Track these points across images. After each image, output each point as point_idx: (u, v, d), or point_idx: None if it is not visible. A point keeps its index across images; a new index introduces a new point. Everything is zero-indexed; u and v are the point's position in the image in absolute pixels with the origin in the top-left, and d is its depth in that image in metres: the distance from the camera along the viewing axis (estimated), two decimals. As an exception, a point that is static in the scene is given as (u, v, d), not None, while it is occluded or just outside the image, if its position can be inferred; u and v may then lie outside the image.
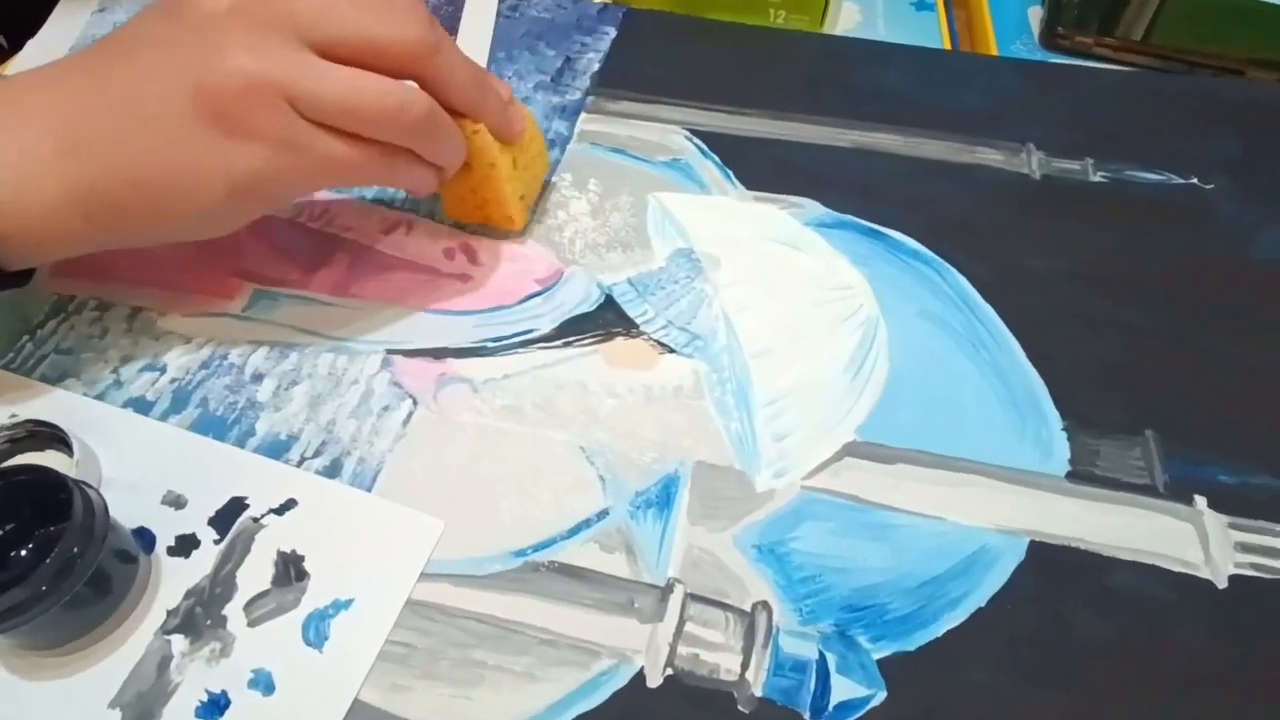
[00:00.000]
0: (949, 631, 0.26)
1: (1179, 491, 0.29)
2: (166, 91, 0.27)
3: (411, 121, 0.29)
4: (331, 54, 0.27)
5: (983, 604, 0.27)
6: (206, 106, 0.26)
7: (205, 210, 0.28)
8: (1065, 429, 0.31)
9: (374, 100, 0.28)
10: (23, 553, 0.25)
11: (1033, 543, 0.28)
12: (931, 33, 0.49)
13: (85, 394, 0.31)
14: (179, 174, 0.27)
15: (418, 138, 0.30)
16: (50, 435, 0.29)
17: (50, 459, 0.29)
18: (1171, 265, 0.36)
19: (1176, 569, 0.27)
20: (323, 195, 0.38)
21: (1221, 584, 0.27)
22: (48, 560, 0.23)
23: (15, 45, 0.47)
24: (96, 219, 0.28)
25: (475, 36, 0.47)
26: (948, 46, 0.48)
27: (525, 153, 0.35)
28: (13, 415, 0.30)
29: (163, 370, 0.32)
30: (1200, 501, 0.29)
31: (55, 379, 0.32)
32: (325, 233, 0.37)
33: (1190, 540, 0.28)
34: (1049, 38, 0.48)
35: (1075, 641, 0.26)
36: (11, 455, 0.29)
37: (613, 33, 0.47)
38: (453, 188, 0.35)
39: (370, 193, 0.39)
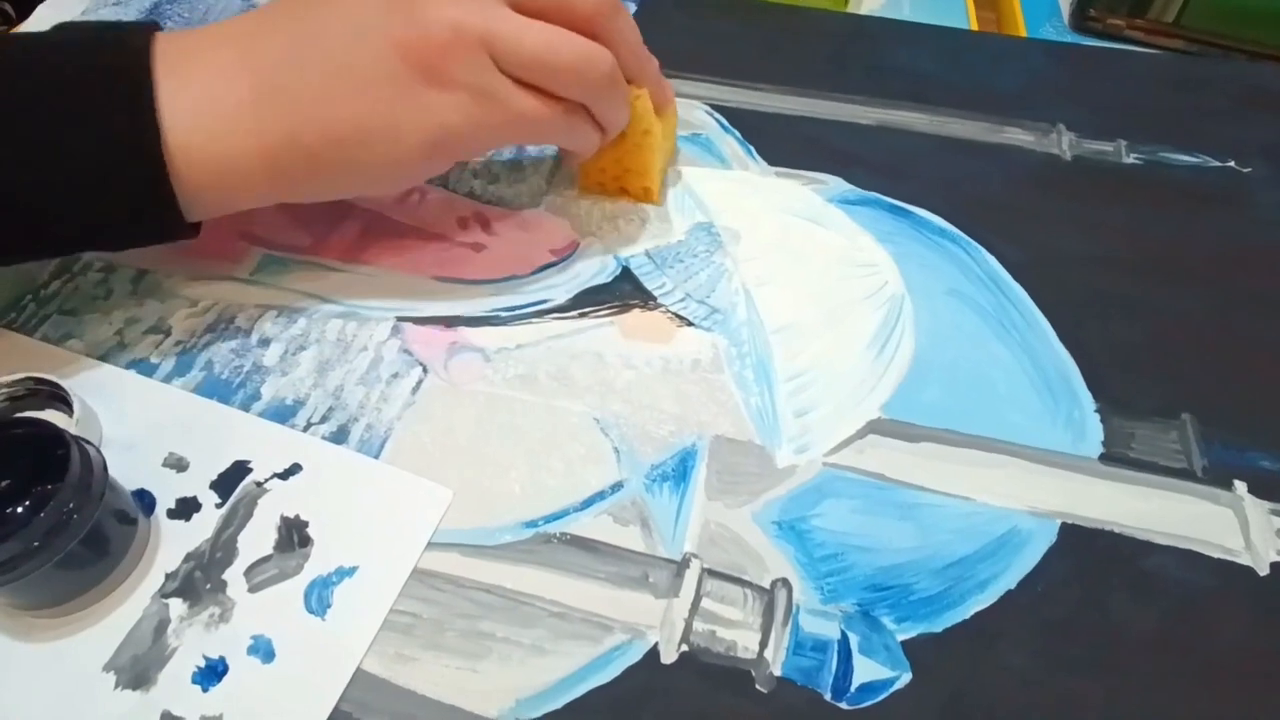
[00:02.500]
0: (977, 614, 0.25)
1: (1218, 476, 0.28)
2: (369, 40, 0.27)
3: (597, 78, 0.29)
4: (524, 8, 0.28)
5: (1012, 586, 0.26)
6: (412, 56, 0.27)
7: (398, 163, 0.28)
8: (1098, 411, 0.30)
9: (568, 55, 0.28)
10: (18, 509, 0.24)
11: (1064, 525, 0.27)
12: (958, 14, 0.48)
13: (88, 355, 0.31)
14: (378, 125, 0.27)
15: (599, 96, 0.30)
16: (50, 394, 0.28)
17: (50, 418, 0.28)
18: (1208, 248, 0.35)
19: (1216, 555, 0.26)
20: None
21: (1263, 571, 0.26)
22: (41, 515, 0.22)
23: (23, 14, 0.46)
24: (284, 170, 0.28)
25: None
26: (975, 28, 0.47)
27: (668, 125, 0.35)
28: (12, 372, 0.29)
29: (167, 333, 0.32)
30: (1240, 487, 0.28)
31: (58, 339, 0.31)
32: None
33: (1230, 526, 0.27)
34: (1080, 20, 0.47)
35: (1110, 627, 0.25)
36: (11, 413, 0.28)
37: (634, 7, 0.47)
38: (596, 159, 0.34)
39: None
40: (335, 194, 0.31)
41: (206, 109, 0.27)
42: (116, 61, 0.26)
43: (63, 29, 0.29)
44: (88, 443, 0.24)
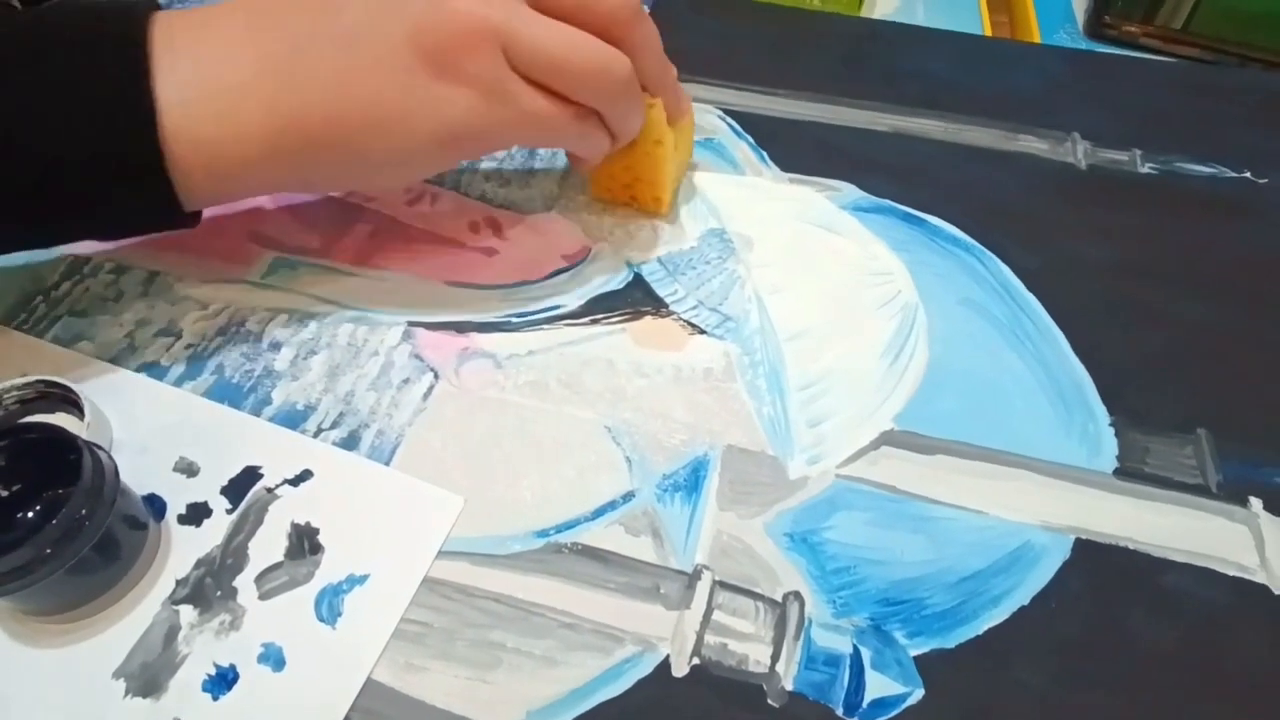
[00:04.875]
0: (990, 630, 0.25)
1: (1233, 493, 0.28)
2: (382, 26, 0.26)
3: (613, 84, 0.28)
4: (545, 8, 0.27)
5: (1026, 602, 0.25)
6: (425, 46, 0.26)
7: (404, 155, 0.28)
8: (1113, 424, 0.29)
9: (586, 59, 0.27)
10: (29, 514, 0.24)
11: (1079, 540, 0.27)
12: (972, 20, 0.48)
13: (98, 357, 0.31)
14: (386, 114, 0.27)
15: (613, 102, 0.29)
16: (61, 396, 0.28)
17: (60, 421, 0.28)
18: (1225, 260, 0.34)
19: (1231, 572, 0.26)
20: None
21: (1278, 589, 0.26)
22: (54, 522, 0.22)
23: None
24: (286, 156, 0.27)
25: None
26: (989, 33, 0.47)
27: (683, 135, 0.34)
28: (23, 375, 0.29)
29: (178, 335, 0.31)
30: (1256, 504, 0.27)
31: (68, 341, 0.31)
32: (347, 201, 0.36)
33: (1245, 543, 0.27)
34: (1095, 26, 0.46)
35: (1125, 644, 0.25)
36: (21, 416, 0.28)
37: (646, 9, 0.46)
38: (607, 165, 0.33)
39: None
40: (338, 184, 0.30)
41: (207, 86, 0.26)
42: (113, 33, 0.26)
43: (59, 5, 0.28)
44: (99, 448, 0.24)
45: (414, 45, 0.26)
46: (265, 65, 0.26)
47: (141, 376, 0.30)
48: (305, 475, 0.27)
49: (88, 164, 0.25)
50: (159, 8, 0.27)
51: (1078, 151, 0.39)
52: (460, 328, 0.32)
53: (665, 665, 0.24)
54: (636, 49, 0.29)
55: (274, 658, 0.24)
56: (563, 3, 0.27)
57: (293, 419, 0.29)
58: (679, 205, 0.36)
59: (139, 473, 0.27)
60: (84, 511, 0.23)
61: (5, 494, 0.24)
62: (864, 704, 0.23)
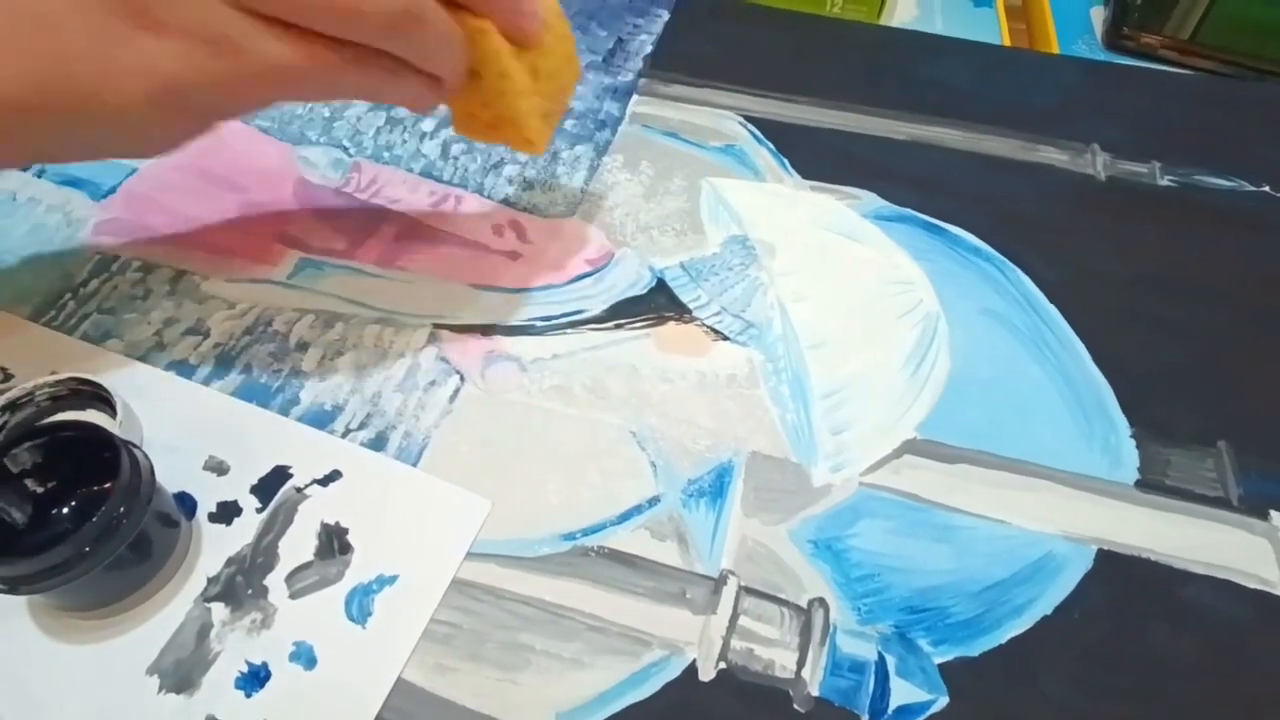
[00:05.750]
0: (1013, 639, 0.25)
1: (1254, 506, 0.28)
2: None
3: (383, 15, 0.23)
4: None
5: (1049, 612, 0.26)
6: None
7: (125, 117, 0.23)
8: (1134, 436, 0.30)
9: None
10: (64, 511, 0.24)
11: (1101, 551, 0.27)
12: (990, 29, 0.48)
13: (127, 355, 0.31)
14: (89, 75, 0.22)
15: (396, 38, 0.24)
16: (92, 394, 0.28)
17: (91, 418, 0.28)
18: (1244, 273, 0.35)
19: (1252, 585, 0.26)
20: (370, 166, 0.38)
21: (1299, 603, 0.26)
22: (93, 519, 0.22)
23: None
24: (6, 131, 0.23)
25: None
26: (1007, 43, 0.47)
27: (548, 58, 0.28)
28: (53, 372, 0.29)
29: (206, 334, 0.32)
30: (1276, 517, 0.28)
31: (97, 338, 0.31)
32: (372, 204, 0.36)
33: (1266, 557, 0.27)
34: (1113, 38, 0.47)
35: (1148, 655, 0.25)
36: (53, 413, 0.29)
37: (666, 15, 0.47)
38: (462, 102, 0.28)
39: (418, 164, 0.38)
40: (77, 152, 0.26)
41: None
42: None
43: None
44: (135, 446, 0.24)
45: None
46: None
47: (170, 375, 0.30)
48: (334, 475, 0.28)
49: None
50: None
51: (1097, 163, 0.39)
52: (485, 330, 0.32)
53: (692, 669, 0.24)
54: None
55: (305, 656, 0.24)
56: None
57: (320, 419, 0.29)
58: (701, 211, 0.37)
59: (169, 471, 0.27)
60: (122, 510, 0.23)
61: (41, 491, 0.24)
62: (889, 710, 0.24)
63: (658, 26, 0.46)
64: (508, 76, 0.27)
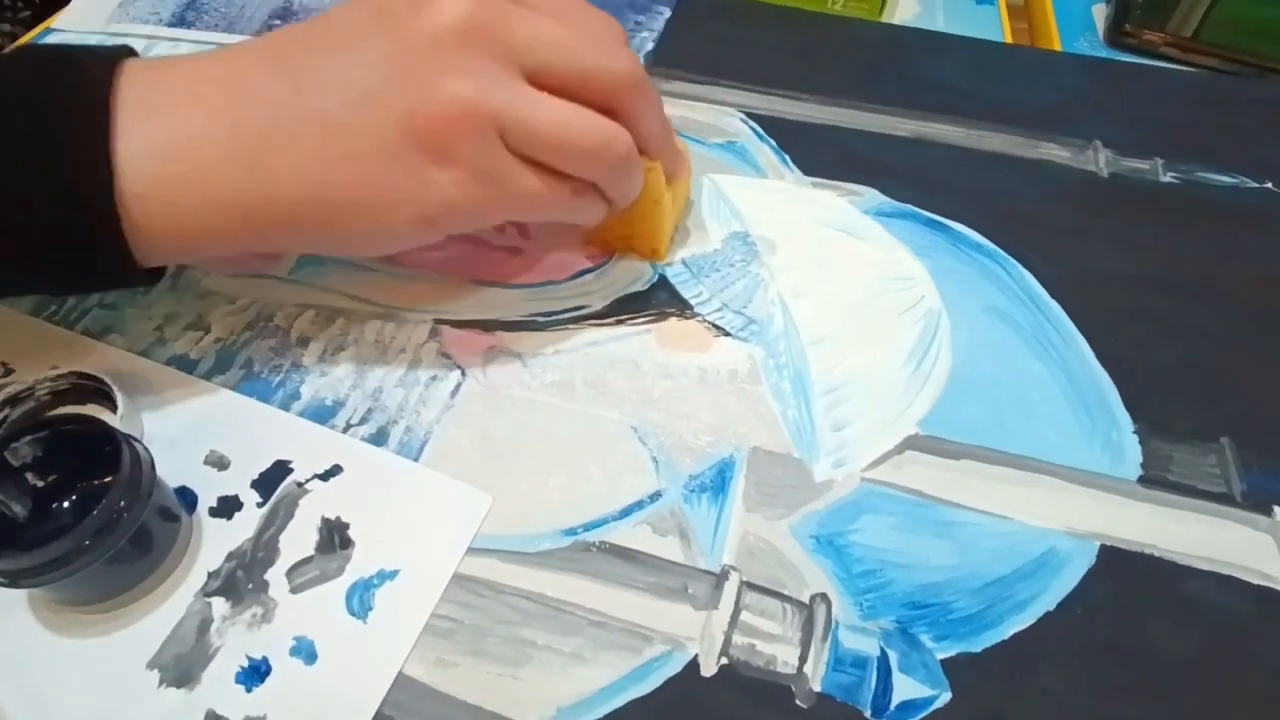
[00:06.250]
0: (1016, 635, 0.25)
1: (1257, 502, 0.28)
2: (373, 104, 0.25)
3: (614, 160, 0.27)
4: (543, 82, 0.26)
5: (1051, 608, 0.25)
6: (418, 131, 0.25)
7: (386, 235, 0.27)
8: (1136, 432, 0.30)
9: (584, 136, 0.26)
10: (65, 504, 0.24)
11: (1104, 547, 0.27)
12: (992, 27, 0.48)
13: (128, 349, 0.31)
14: (372, 198, 0.25)
15: (611, 175, 0.28)
16: (93, 389, 0.28)
17: (92, 413, 0.28)
18: (1247, 270, 0.35)
19: (1255, 581, 0.26)
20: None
21: (1302, 599, 0.26)
22: (94, 513, 0.22)
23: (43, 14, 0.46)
24: (260, 229, 0.26)
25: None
26: (1009, 40, 0.47)
27: (680, 187, 0.34)
28: (54, 367, 0.29)
29: (207, 330, 0.32)
30: None
31: (98, 333, 0.31)
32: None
33: (1270, 552, 0.27)
34: (1115, 35, 0.47)
35: (1151, 652, 0.25)
36: (54, 407, 0.29)
37: (667, 12, 0.47)
38: (603, 220, 0.32)
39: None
40: (316, 252, 0.29)
41: (174, 154, 0.24)
42: (73, 90, 0.24)
43: (23, 50, 0.26)
44: (136, 440, 0.24)
45: (404, 128, 0.25)
46: (239, 140, 0.25)
47: (171, 369, 0.30)
48: (335, 470, 0.28)
49: (42, 222, 0.24)
50: (133, 54, 0.26)
51: (1099, 160, 0.39)
52: (486, 326, 0.32)
53: (694, 665, 0.24)
54: (637, 118, 0.28)
55: (306, 651, 0.24)
56: (565, 78, 0.26)
57: (321, 414, 0.29)
58: (702, 207, 0.37)
59: (170, 465, 0.27)
60: (122, 504, 0.23)
61: (41, 484, 0.24)
62: (891, 706, 0.24)
63: (659, 23, 0.46)
64: (660, 203, 0.32)
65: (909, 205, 0.37)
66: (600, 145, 0.27)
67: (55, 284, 0.28)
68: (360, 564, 0.26)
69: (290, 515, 0.27)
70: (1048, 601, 0.26)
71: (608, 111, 0.27)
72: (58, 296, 0.32)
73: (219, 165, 0.25)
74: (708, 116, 0.41)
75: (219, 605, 0.25)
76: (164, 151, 0.24)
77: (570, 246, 0.35)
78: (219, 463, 0.28)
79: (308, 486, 0.27)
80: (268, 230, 0.26)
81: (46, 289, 0.29)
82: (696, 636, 0.25)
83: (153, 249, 0.25)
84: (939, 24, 0.48)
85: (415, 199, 0.26)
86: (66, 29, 0.45)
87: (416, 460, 0.28)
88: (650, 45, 0.45)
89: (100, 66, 0.25)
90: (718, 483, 0.28)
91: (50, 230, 0.24)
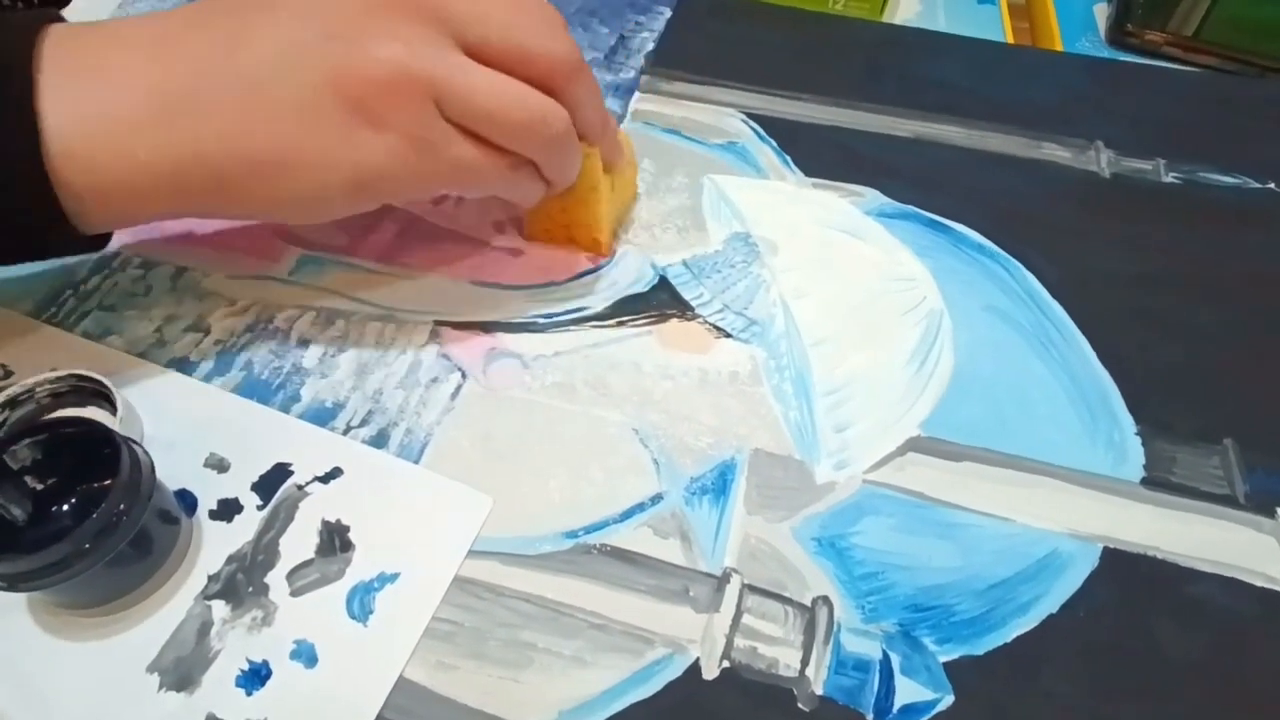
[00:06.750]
0: (1019, 637, 0.25)
1: (1261, 503, 0.28)
2: (302, 69, 0.25)
3: (550, 136, 0.28)
4: (479, 55, 0.26)
5: (1054, 610, 0.25)
6: (348, 93, 0.25)
7: (316, 198, 0.27)
8: (1139, 434, 0.29)
9: (521, 113, 0.27)
10: (65, 507, 0.24)
11: (1107, 549, 0.27)
12: (993, 27, 0.48)
13: (128, 351, 0.31)
14: (300, 158, 0.25)
15: (549, 152, 0.28)
16: (93, 390, 0.28)
17: (92, 415, 0.28)
18: (1249, 270, 0.35)
19: (1258, 583, 0.26)
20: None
21: (1306, 601, 0.26)
22: (93, 516, 0.22)
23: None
24: (190, 189, 0.26)
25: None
26: (1010, 40, 0.47)
27: (621, 177, 0.34)
28: (53, 369, 0.29)
29: (206, 331, 0.32)
30: (1283, 515, 0.27)
31: (98, 335, 0.31)
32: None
33: (1274, 554, 0.27)
34: (1117, 34, 0.46)
35: (1155, 654, 0.25)
36: (53, 409, 0.28)
37: (667, 12, 0.46)
38: (544, 208, 0.33)
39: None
40: (249, 217, 0.29)
41: (100, 114, 0.24)
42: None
43: None
44: (136, 443, 0.24)
45: (334, 88, 0.25)
46: (167, 97, 0.24)
47: (171, 372, 0.30)
48: (335, 473, 0.28)
49: None
50: (59, 19, 0.26)
51: (1101, 160, 0.39)
52: (487, 327, 0.32)
53: (695, 668, 0.24)
54: (576, 102, 0.28)
55: (306, 654, 0.24)
56: (501, 53, 0.26)
57: (322, 416, 0.29)
58: (703, 208, 0.37)
59: (170, 468, 0.27)
60: (122, 506, 0.23)
61: (40, 487, 0.24)
62: (894, 709, 0.24)
63: (660, 24, 0.46)
64: (597, 190, 0.32)
65: (910, 206, 0.37)
66: (536, 119, 0.27)
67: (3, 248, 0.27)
68: (361, 567, 0.26)
69: (290, 518, 0.27)
70: (1051, 604, 0.26)
71: (545, 93, 0.27)
72: (6, 263, 0.30)
73: (146, 123, 0.24)
74: (708, 117, 0.41)
75: (219, 608, 0.25)
76: (90, 112, 0.24)
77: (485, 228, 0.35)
78: (219, 465, 0.28)
79: (308, 489, 0.27)
80: (197, 191, 0.26)
81: None
82: (698, 639, 0.25)
83: (86, 212, 0.25)
84: (940, 24, 0.48)
85: (344, 161, 0.25)
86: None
87: (417, 462, 0.28)
88: (651, 45, 0.44)
89: (23, 30, 0.24)
90: (719, 485, 0.28)
91: None
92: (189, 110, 0.25)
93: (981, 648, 0.25)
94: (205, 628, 0.24)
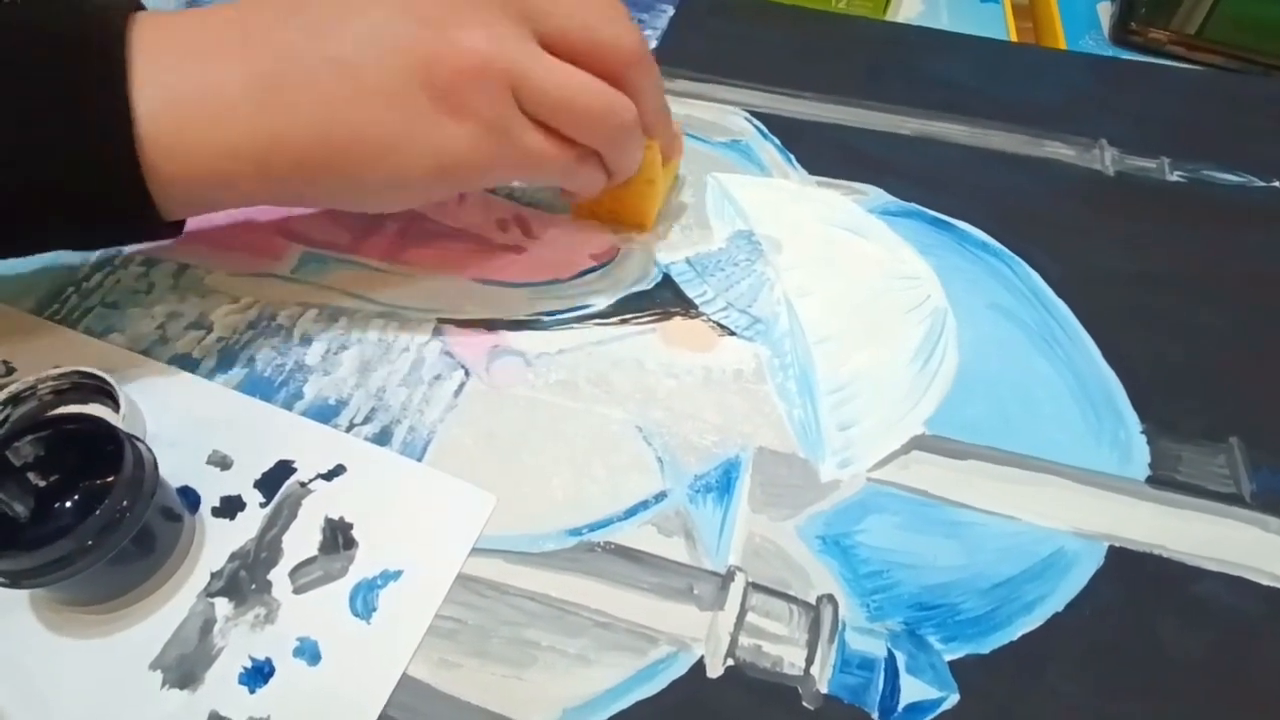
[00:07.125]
0: (1024, 636, 0.25)
1: (1267, 502, 0.28)
2: (391, 57, 0.25)
3: (617, 127, 0.28)
4: (553, 47, 0.27)
5: (1060, 609, 0.25)
6: (436, 80, 0.25)
7: (399, 183, 0.27)
8: (1144, 432, 0.29)
9: (592, 104, 0.27)
10: (67, 504, 0.24)
11: (1112, 548, 0.27)
12: (996, 25, 0.48)
13: (130, 349, 0.31)
14: (385, 144, 0.26)
15: (614, 144, 0.29)
16: (95, 387, 0.28)
17: (94, 412, 0.28)
18: (1254, 268, 0.34)
19: (1265, 582, 0.26)
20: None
21: (1313, 600, 0.26)
22: (96, 513, 0.22)
23: None
24: (274, 173, 0.26)
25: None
26: (1014, 38, 0.47)
27: (671, 169, 0.35)
28: (56, 366, 0.29)
29: (209, 329, 0.31)
30: (1289, 514, 0.27)
31: (100, 332, 0.31)
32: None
33: (1279, 554, 0.27)
34: (1120, 33, 0.46)
35: (1160, 653, 0.25)
36: (56, 406, 0.28)
37: (670, 10, 0.46)
38: (597, 194, 0.33)
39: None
40: (331, 204, 0.30)
41: (191, 98, 0.25)
42: (88, 39, 0.24)
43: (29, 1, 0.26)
44: (138, 439, 0.24)
45: (420, 75, 0.25)
46: (253, 83, 0.25)
47: (174, 369, 0.30)
48: (338, 470, 0.27)
49: (63, 170, 0.24)
50: (140, 8, 0.26)
51: (1105, 158, 0.39)
52: (490, 325, 0.32)
53: (700, 666, 0.24)
54: (641, 93, 0.29)
55: (309, 652, 0.24)
56: (573, 45, 0.27)
57: (324, 414, 0.29)
58: (706, 206, 0.37)
59: (173, 465, 0.27)
60: (125, 503, 0.23)
61: (43, 484, 0.24)
62: (899, 708, 0.23)
63: (662, 21, 0.46)
64: (655, 183, 0.33)
65: (914, 204, 0.37)
66: (607, 111, 0.28)
67: (77, 236, 0.28)
68: (364, 564, 0.25)
69: (293, 515, 0.26)
70: (1056, 602, 0.25)
71: (612, 84, 0.28)
72: (80, 250, 0.32)
73: (232, 108, 0.25)
74: (711, 115, 0.41)
75: (222, 606, 0.25)
76: (180, 96, 0.25)
77: (575, 245, 0.35)
78: (222, 462, 0.28)
79: (311, 486, 0.27)
80: (281, 176, 0.26)
81: (69, 241, 0.29)
82: (702, 638, 0.25)
83: (171, 196, 0.26)
84: (943, 22, 0.48)
85: (429, 148, 0.26)
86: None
87: (420, 460, 0.28)
88: (654, 43, 0.44)
89: (114, 16, 0.25)
90: (723, 483, 0.28)
91: (72, 177, 0.24)
92: (278, 94, 0.25)
93: (987, 646, 0.25)
94: (208, 625, 0.24)
